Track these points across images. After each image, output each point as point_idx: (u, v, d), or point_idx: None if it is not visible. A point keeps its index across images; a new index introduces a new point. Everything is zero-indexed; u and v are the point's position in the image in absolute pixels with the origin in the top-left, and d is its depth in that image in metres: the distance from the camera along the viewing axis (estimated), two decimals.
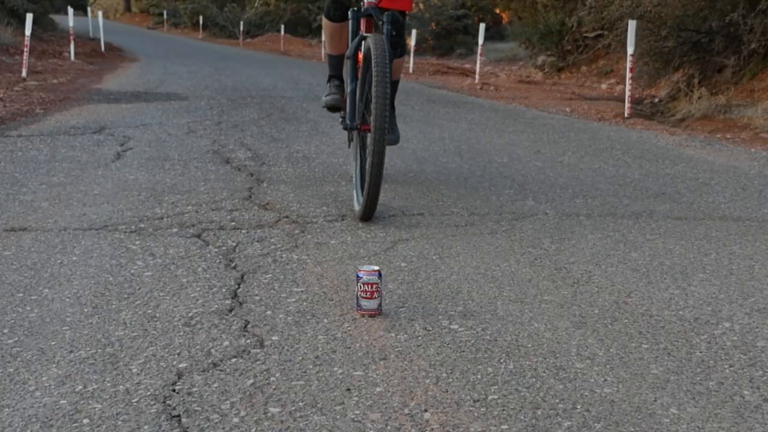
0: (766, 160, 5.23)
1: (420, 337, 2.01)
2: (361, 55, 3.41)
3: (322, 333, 2.03)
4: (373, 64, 3.03)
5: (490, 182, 4.14)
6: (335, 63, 3.98)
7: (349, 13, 3.60)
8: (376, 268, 2.16)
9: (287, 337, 2.00)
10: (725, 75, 8.81)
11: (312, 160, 4.75)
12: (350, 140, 3.97)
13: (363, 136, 3.44)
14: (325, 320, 2.12)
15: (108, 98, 8.19)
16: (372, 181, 3.02)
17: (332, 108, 3.83)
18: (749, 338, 2.07)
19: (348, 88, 3.48)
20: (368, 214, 3.19)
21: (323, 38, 4.04)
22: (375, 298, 2.15)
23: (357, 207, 3.29)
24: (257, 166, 4.47)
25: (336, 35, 3.85)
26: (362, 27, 3.53)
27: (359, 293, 2.15)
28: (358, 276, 2.15)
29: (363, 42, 3.38)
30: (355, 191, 3.40)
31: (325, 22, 3.88)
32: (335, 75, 3.95)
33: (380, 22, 3.40)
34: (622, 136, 6.34)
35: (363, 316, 2.15)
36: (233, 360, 1.85)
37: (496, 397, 1.69)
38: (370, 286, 2.14)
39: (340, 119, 3.81)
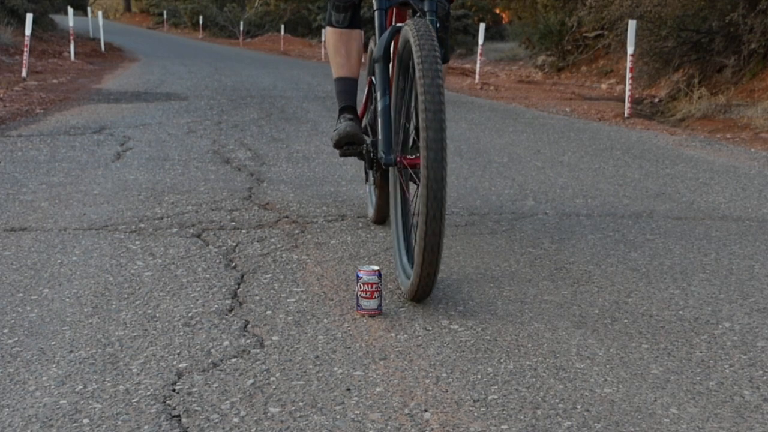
0: (766, 160, 5.23)
1: (420, 337, 2.01)
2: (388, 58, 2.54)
3: (322, 333, 2.03)
4: (416, 61, 2.10)
5: (490, 182, 4.14)
6: (346, 89, 2.82)
7: (375, 1, 2.61)
8: (376, 268, 2.16)
9: (287, 337, 2.00)
10: (725, 75, 8.81)
11: (312, 160, 4.75)
12: (369, 177, 3.08)
13: (406, 173, 2.42)
14: (325, 320, 2.12)
15: (108, 98, 8.19)
16: (428, 243, 2.04)
17: (349, 140, 2.67)
18: (749, 338, 2.07)
19: (379, 105, 2.44)
20: (424, 291, 2.18)
21: (329, 56, 2.91)
22: (375, 298, 2.15)
23: (403, 279, 2.30)
24: (257, 166, 4.47)
25: (343, 48, 2.81)
26: (392, 21, 2.72)
27: (359, 293, 2.15)
28: (358, 276, 2.15)
29: (398, 35, 2.45)
30: (398, 255, 2.41)
31: (328, 32, 2.85)
32: (347, 107, 2.79)
33: (419, 14, 2.45)
34: (622, 136, 6.34)
35: (363, 316, 2.15)
36: (233, 360, 1.85)
37: (496, 397, 1.69)
38: (370, 286, 2.14)
39: (361, 152, 2.81)
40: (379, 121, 2.46)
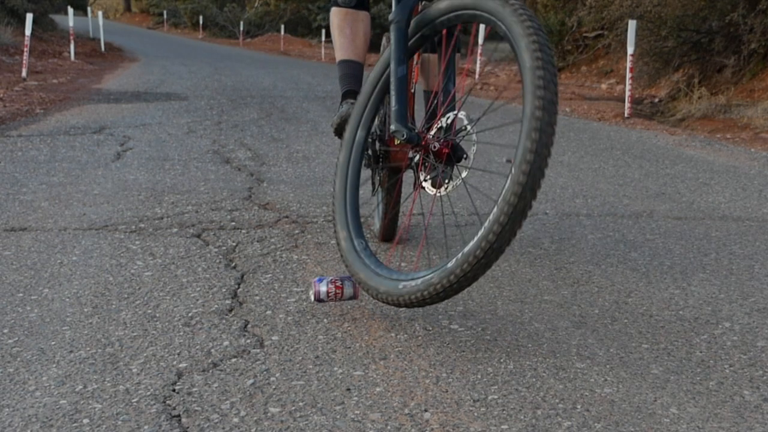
0: (766, 160, 5.23)
1: (420, 337, 2.01)
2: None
3: (322, 333, 2.03)
4: (526, 47, 1.79)
5: (489, 182, 4.13)
6: (350, 73, 2.61)
7: None
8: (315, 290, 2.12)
9: (287, 337, 2.00)
10: (725, 75, 8.81)
11: (312, 160, 4.75)
12: (377, 178, 2.72)
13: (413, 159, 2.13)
14: (325, 320, 2.12)
15: (108, 98, 8.19)
16: (493, 243, 1.82)
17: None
18: (749, 338, 2.07)
19: (394, 74, 2.11)
20: (460, 287, 1.86)
21: (332, 39, 2.71)
22: (337, 298, 2.13)
23: (371, 276, 2.03)
24: (257, 166, 4.47)
25: (348, 28, 2.62)
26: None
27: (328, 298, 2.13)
28: (318, 300, 2.12)
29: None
30: (350, 244, 2.14)
31: (333, 12, 2.66)
32: (350, 92, 2.59)
33: None
34: (622, 136, 6.34)
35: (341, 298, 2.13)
36: (233, 360, 1.85)
37: (496, 397, 1.69)
38: (330, 294, 2.12)
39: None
40: (393, 90, 2.09)
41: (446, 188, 2.03)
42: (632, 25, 7.72)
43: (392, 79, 2.11)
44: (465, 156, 2.06)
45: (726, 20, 8.41)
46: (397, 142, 2.08)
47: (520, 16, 1.82)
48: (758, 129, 6.80)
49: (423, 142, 2.06)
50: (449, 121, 2.07)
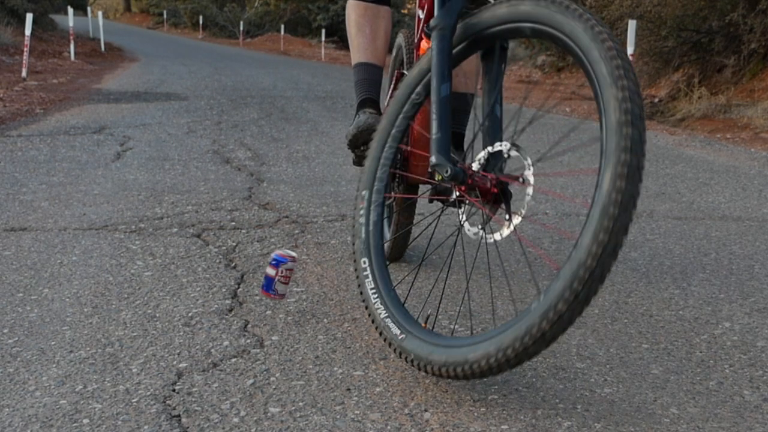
0: (766, 160, 5.23)
1: None
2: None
3: (322, 333, 2.03)
4: (607, 72, 1.51)
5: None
6: (370, 78, 2.28)
7: None
8: (294, 254, 2.12)
9: (287, 337, 2.00)
10: (725, 75, 8.81)
11: (312, 160, 4.75)
12: (394, 207, 2.48)
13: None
14: (325, 320, 2.12)
15: (108, 98, 8.19)
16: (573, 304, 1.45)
17: (371, 137, 2.01)
18: (749, 338, 2.07)
19: (435, 94, 1.74)
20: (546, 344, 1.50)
21: (349, 37, 2.39)
22: (289, 284, 2.13)
23: (397, 334, 1.71)
24: (257, 166, 4.47)
25: (368, 26, 2.30)
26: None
27: (278, 277, 2.10)
28: (279, 260, 2.09)
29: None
30: (382, 300, 1.81)
31: (350, 5, 2.35)
32: (368, 100, 2.28)
33: None
34: None
35: (270, 297, 2.12)
36: (233, 360, 1.85)
37: (496, 397, 1.69)
38: (289, 272, 2.11)
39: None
40: (434, 114, 1.72)
41: (501, 233, 1.71)
42: (632, 25, 7.73)
43: (433, 100, 1.73)
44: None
45: (726, 20, 8.41)
46: (438, 178, 1.71)
47: (608, 51, 1.48)
48: (758, 129, 6.80)
49: (469, 180, 1.69)
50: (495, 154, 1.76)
